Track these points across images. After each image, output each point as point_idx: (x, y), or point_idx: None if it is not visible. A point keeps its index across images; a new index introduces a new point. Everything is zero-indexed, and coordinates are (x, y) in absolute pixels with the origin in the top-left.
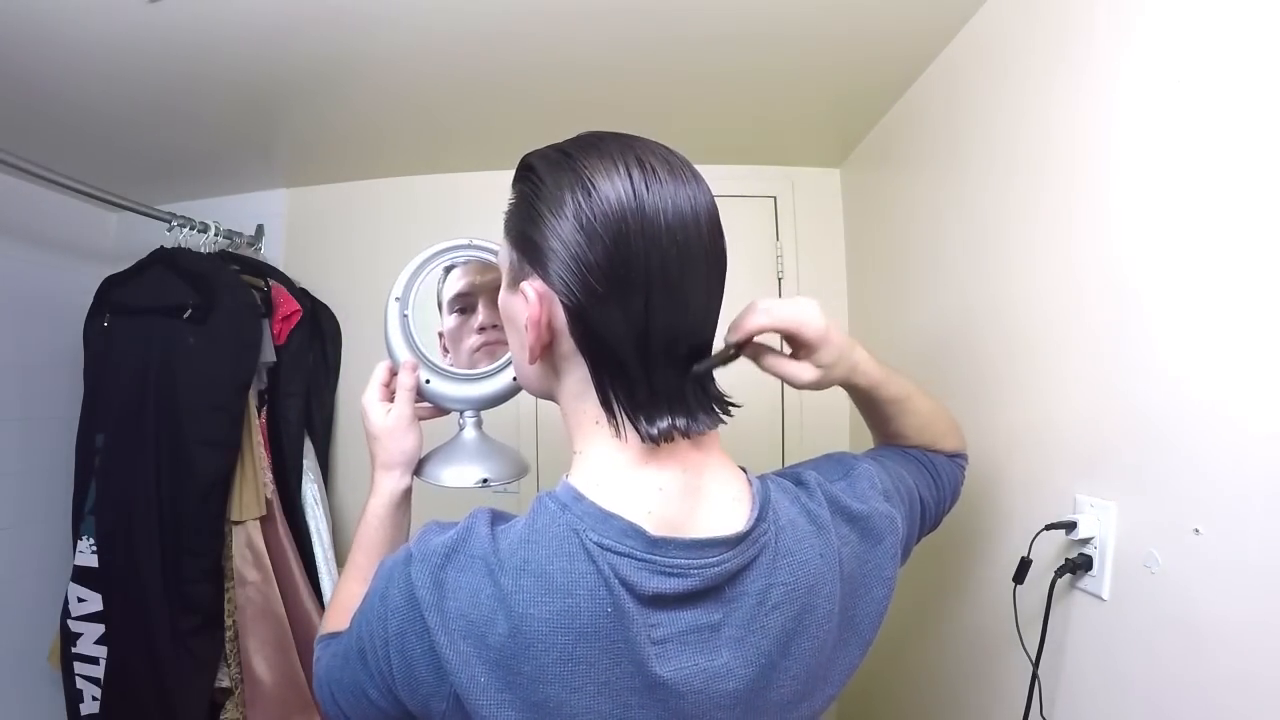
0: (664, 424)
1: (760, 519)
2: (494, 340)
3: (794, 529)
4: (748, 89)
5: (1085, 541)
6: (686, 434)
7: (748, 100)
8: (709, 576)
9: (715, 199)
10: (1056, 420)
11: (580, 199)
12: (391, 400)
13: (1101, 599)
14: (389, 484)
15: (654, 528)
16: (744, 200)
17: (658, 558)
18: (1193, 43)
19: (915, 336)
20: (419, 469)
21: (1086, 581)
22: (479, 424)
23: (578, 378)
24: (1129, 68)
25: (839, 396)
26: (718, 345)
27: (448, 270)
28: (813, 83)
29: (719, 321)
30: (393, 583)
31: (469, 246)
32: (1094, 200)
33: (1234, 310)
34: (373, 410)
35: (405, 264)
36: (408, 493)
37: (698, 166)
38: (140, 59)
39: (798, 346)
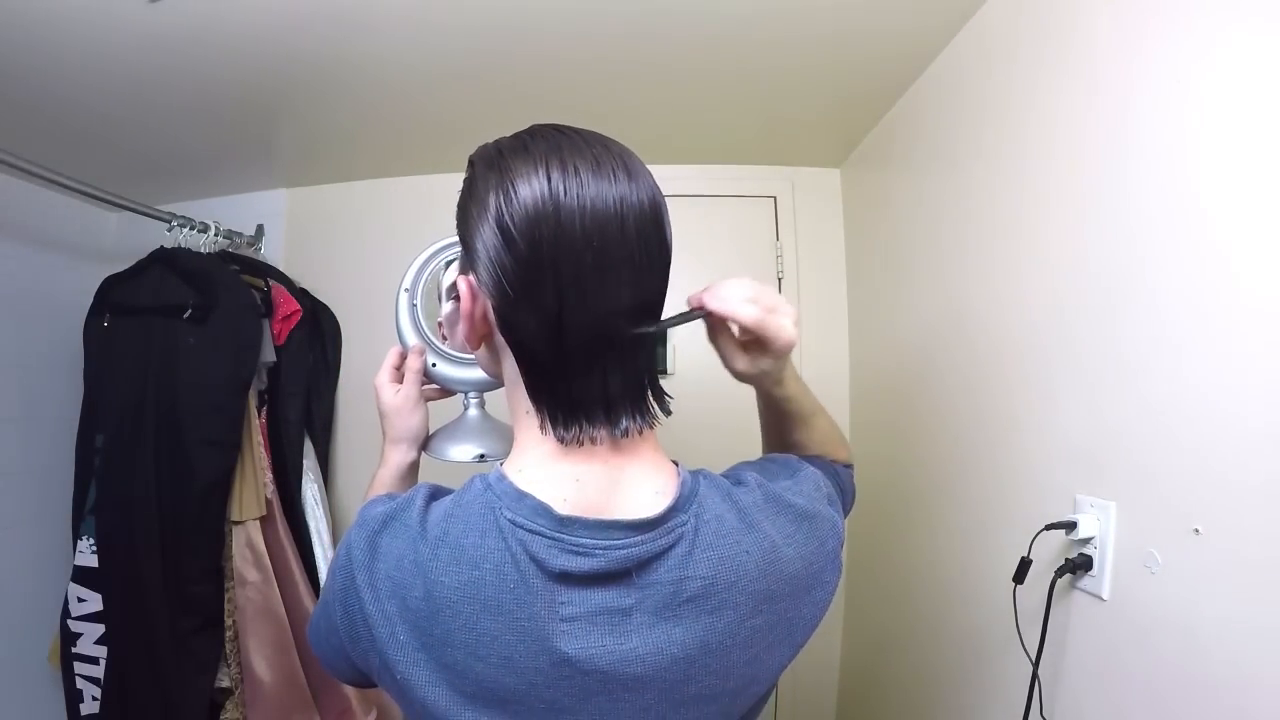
0: (577, 429)
1: (677, 509)
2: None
3: (719, 524)
4: (748, 89)
5: (1085, 541)
6: (604, 440)
7: (748, 100)
8: (614, 559)
9: (656, 195)
10: (1056, 420)
11: (501, 202)
12: (401, 382)
13: (1101, 599)
14: (396, 457)
15: (565, 510)
16: (744, 200)
17: (565, 536)
18: (1192, 42)
19: (915, 336)
20: (426, 444)
21: (1086, 581)
22: (481, 404)
23: (513, 367)
24: (1129, 68)
25: (832, 396)
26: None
27: (448, 263)
28: (813, 83)
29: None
30: (343, 544)
31: None
32: (1094, 200)
33: (1234, 310)
34: (384, 390)
35: (414, 257)
36: (414, 466)
37: (698, 167)
38: (140, 59)
39: (756, 346)
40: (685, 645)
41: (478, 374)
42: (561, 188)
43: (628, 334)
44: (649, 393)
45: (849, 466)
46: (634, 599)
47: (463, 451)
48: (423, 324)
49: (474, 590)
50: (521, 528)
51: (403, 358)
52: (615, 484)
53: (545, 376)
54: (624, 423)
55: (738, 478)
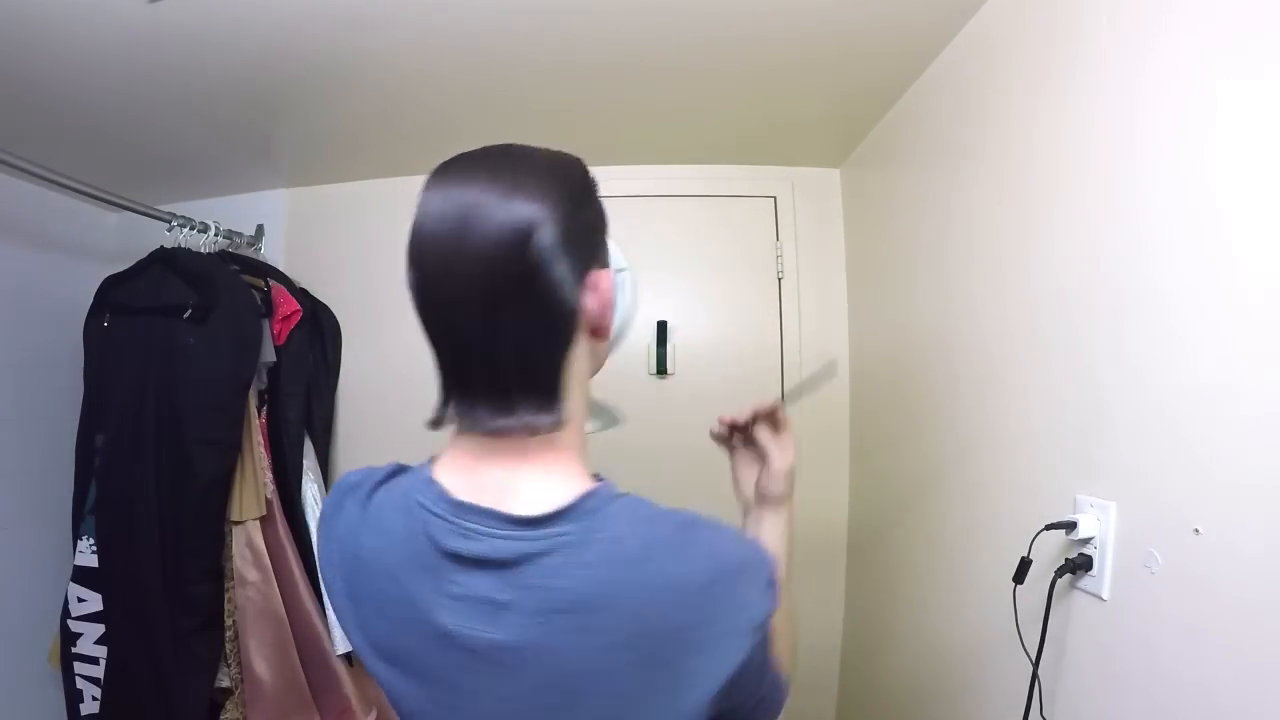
0: (470, 422)
1: (562, 518)
2: None
3: (613, 546)
4: (748, 89)
5: (1085, 541)
6: (492, 437)
7: (748, 100)
8: (495, 546)
9: (533, 225)
10: (1056, 420)
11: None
12: None
13: (1101, 599)
14: None
15: (462, 497)
16: (744, 200)
17: (458, 520)
18: (1193, 42)
19: (915, 336)
20: None
21: (1086, 581)
22: None
23: None
24: (1131, 66)
25: (832, 397)
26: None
27: None
28: (813, 83)
29: (551, 326)
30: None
31: None
32: (1094, 199)
33: (1235, 310)
34: None
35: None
36: None
37: (698, 167)
38: (140, 59)
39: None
40: (550, 656)
41: None
42: (425, 218)
43: (473, 332)
44: (526, 397)
45: (779, 677)
46: (511, 595)
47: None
48: None
49: (384, 556)
50: (426, 509)
51: None
52: (510, 481)
53: (445, 386)
54: (498, 421)
55: (693, 521)
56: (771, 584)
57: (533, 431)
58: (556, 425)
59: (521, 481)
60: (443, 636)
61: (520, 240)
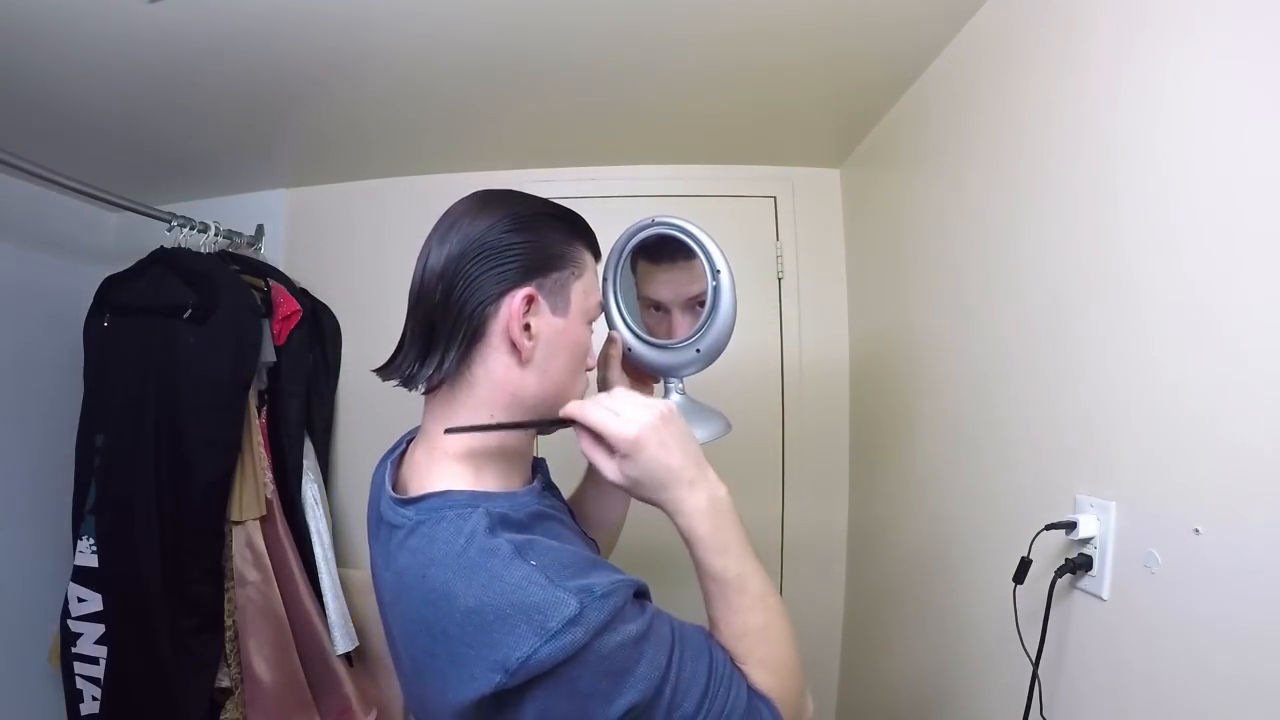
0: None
1: (415, 506)
2: (664, 320)
3: (426, 543)
4: (748, 89)
5: (1085, 541)
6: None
7: (748, 100)
8: (386, 514)
9: (479, 238)
10: (1056, 420)
11: None
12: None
13: (1101, 599)
14: None
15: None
16: (744, 200)
17: (391, 493)
18: (1195, 41)
19: (915, 336)
20: None
21: (1086, 581)
22: (682, 390)
23: None
24: (1131, 66)
25: (832, 397)
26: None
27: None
28: (813, 83)
29: (454, 332)
30: None
31: (653, 225)
32: (1095, 200)
33: (1235, 310)
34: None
35: (614, 245)
36: None
37: (698, 166)
38: (140, 59)
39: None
40: (392, 614)
41: (672, 360)
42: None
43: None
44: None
45: (761, 696)
46: (393, 559)
47: None
48: (623, 310)
49: (368, 511)
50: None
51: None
52: (413, 466)
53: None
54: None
55: (492, 548)
56: (554, 635)
57: (408, 382)
58: (413, 377)
59: (413, 470)
60: (375, 578)
61: (433, 277)
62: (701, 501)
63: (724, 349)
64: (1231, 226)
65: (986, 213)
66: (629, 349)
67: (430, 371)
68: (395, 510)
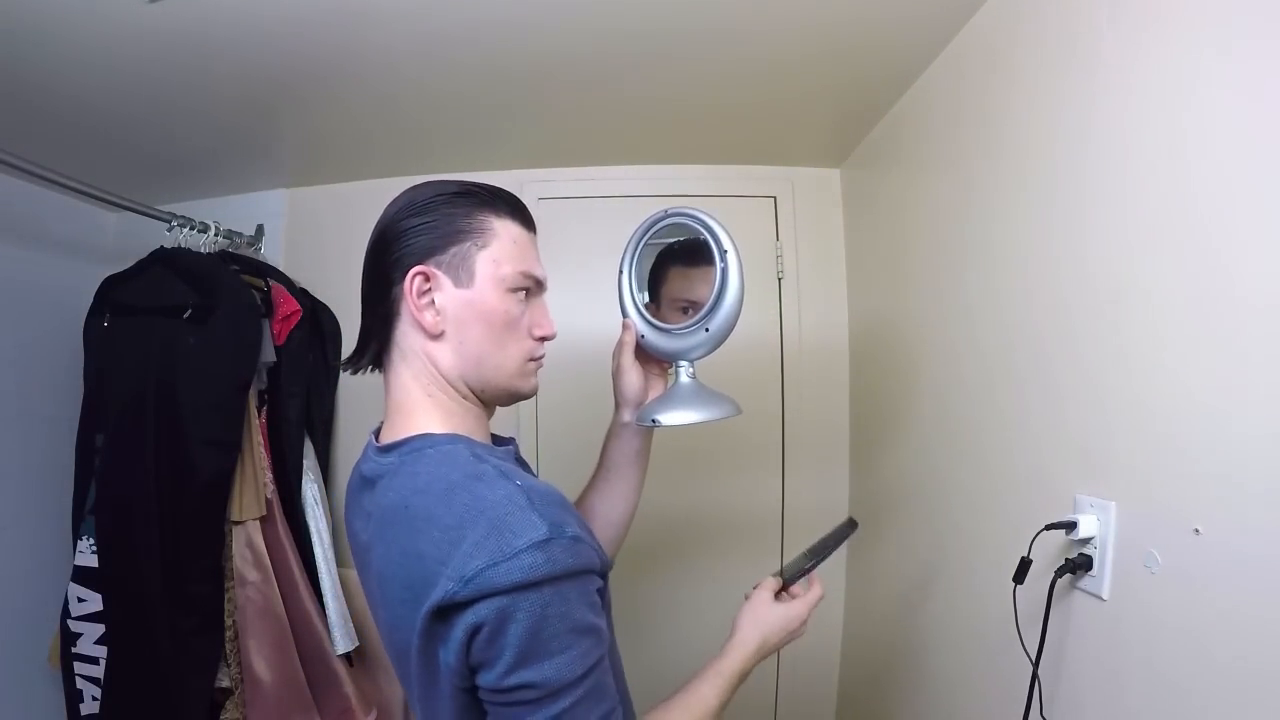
0: None
1: (396, 450)
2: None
3: (410, 478)
4: (748, 89)
5: (1085, 541)
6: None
7: (748, 100)
8: (367, 467)
9: (384, 228)
10: (1056, 420)
11: None
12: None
13: (1101, 599)
14: (615, 417)
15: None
16: (744, 200)
17: (368, 452)
18: (1194, 41)
19: (915, 336)
20: (641, 414)
21: (1086, 581)
22: (693, 374)
23: None
24: (1128, 67)
25: (832, 397)
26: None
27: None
28: (813, 82)
29: (377, 314)
30: None
31: (666, 216)
32: (1094, 199)
33: (1235, 309)
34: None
35: (629, 239)
36: (628, 427)
37: (698, 166)
38: (140, 59)
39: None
40: (374, 555)
41: (682, 343)
42: None
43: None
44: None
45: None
46: (371, 507)
47: (677, 417)
48: (636, 298)
49: (346, 498)
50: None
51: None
52: (390, 429)
53: None
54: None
55: (476, 474)
56: (515, 554)
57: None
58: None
59: (390, 419)
60: (351, 534)
61: (373, 247)
62: (752, 662)
63: (732, 330)
64: (1232, 226)
65: (986, 213)
66: (641, 335)
67: (367, 358)
68: (377, 460)
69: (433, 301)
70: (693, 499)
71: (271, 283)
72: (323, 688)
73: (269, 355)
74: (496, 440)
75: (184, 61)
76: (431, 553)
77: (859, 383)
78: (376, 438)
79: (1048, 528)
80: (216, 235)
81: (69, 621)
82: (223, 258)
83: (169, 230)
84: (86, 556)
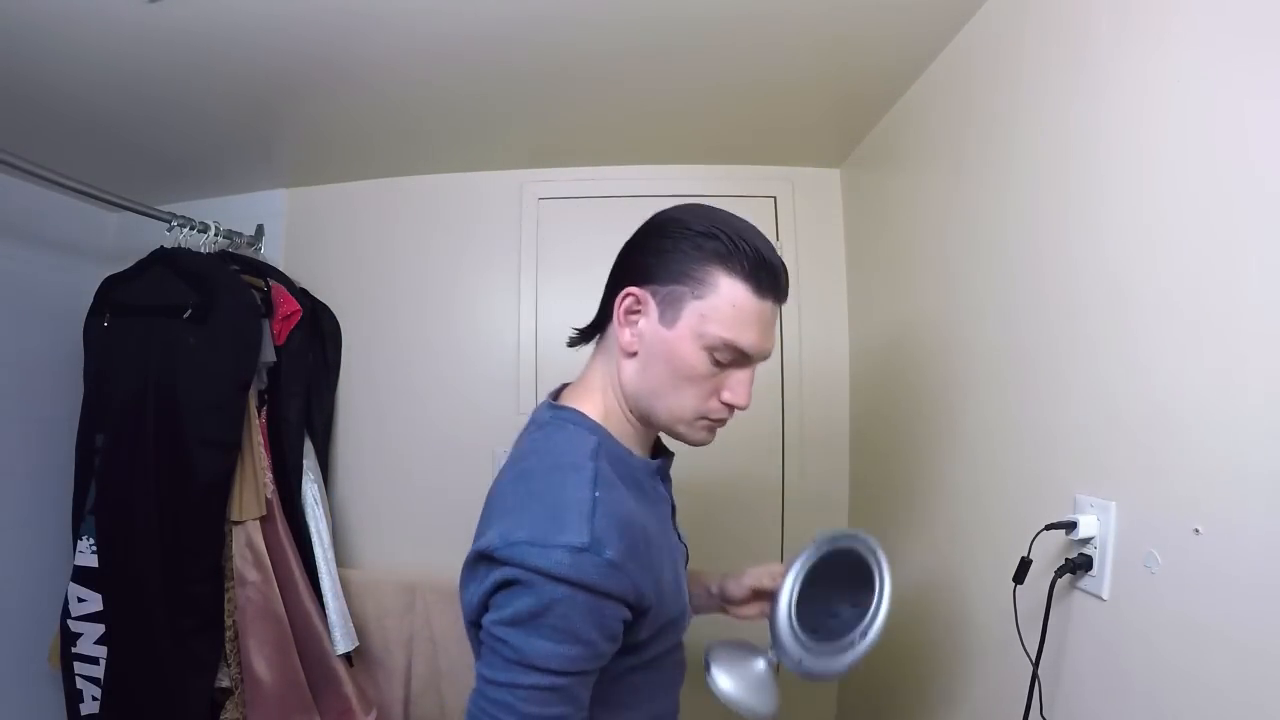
0: None
1: (556, 410)
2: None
3: (520, 441)
4: (748, 89)
5: (1085, 541)
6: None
7: (748, 100)
8: (536, 413)
9: (639, 232)
10: (1056, 420)
11: None
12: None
13: (1101, 599)
14: (711, 584)
15: None
16: (744, 200)
17: None
18: (1193, 41)
19: (915, 336)
20: (711, 651)
21: (1086, 581)
22: (776, 666)
23: None
24: (1129, 67)
25: (832, 396)
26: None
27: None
28: (813, 83)
29: (606, 303)
30: None
31: (853, 540)
32: (1094, 200)
33: (1234, 310)
34: None
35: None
36: (708, 601)
37: (698, 166)
38: (140, 59)
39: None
40: (499, 481)
41: (819, 661)
42: None
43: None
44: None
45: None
46: (524, 436)
47: (742, 702)
48: (794, 598)
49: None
50: None
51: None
52: (574, 386)
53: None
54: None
55: (557, 464)
56: (546, 548)
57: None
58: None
59: (575, 386)
60: None
61: (629, 240)
62: None
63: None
64: (1231, 227)
65: (986, 213)
66: (774, 621)
67: (587, 335)
68: (545, 409)
69: (636, 323)
70: (693, 498)
71: (271, 283)
72: (323, 688)
73: (269, 355)
74: (656, 451)
75: (184, 61)
76: (507, 504)
77: (859, 383)
78: (553, 396)
79: (1048, 528)
80: (216, 235)
81: (69, 621)
82: (223, 258)
83: (169, 230)
84: (86, 556)
